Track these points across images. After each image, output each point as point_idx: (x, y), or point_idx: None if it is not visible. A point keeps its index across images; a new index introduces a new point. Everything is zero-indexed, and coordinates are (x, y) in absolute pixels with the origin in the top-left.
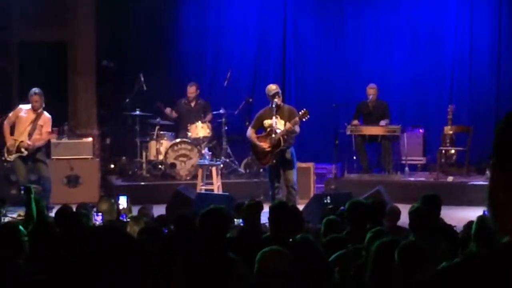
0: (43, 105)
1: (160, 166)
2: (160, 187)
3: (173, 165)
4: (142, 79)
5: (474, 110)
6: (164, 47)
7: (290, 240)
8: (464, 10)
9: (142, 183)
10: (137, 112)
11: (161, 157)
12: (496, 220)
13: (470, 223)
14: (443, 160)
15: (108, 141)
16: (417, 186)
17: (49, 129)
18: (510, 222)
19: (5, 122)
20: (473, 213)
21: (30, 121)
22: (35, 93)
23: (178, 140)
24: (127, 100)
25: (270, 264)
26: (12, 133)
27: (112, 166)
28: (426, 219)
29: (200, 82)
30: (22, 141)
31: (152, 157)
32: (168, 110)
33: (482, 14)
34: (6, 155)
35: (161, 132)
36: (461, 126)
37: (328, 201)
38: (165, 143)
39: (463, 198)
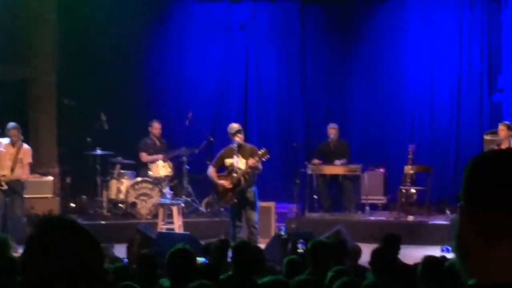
0: (22, 138)
1: (121, 205)
2: (121, 226)
3: (134, 204)
4: (103, 118)
5: (434, 150)
6: (125, 87)
7: (260, 281)
8: (424, 51)
9: (103, 222)
10: (98, 151)
11: (122, 196)
12: (464, 263)
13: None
14: (403, 199)
15: (68, 179)
16: (378, 226)
17: (30, 160)
18: (478, 266)
19: None
20: (433, 252)
21: (11, 156)
22: (12, 128)
23: (139, 179)
24: (88, 139)
25: None
26: None
27: (73, 205)
28: (387, 259)
29: (162, 121)
30: (3, 175)
31: (113, 196)
32: (159, 157)
33: (443, 55)
34: None
35: (122, 171)
36: (421, 166)
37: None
38: (126, 182)
39: (423, 237)
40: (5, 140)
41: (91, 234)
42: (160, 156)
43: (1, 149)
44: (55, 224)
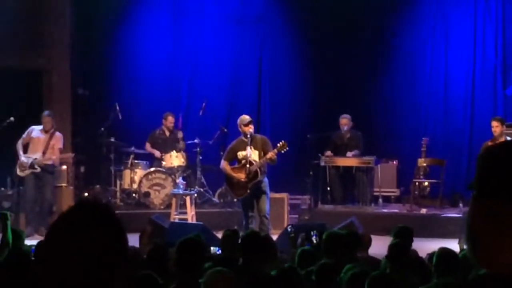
0: (54, 126)
1: (134, 195)
2: (134, 216)
3: (147, 194)
4: (118, 108)
5: (448, 143)
6: (140, 77)
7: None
8: (439, 42)
9: (116, 212)
10: (112, 141)
11: (135, 185)
12: (475, 252)
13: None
14: (416, 192)
15: (82, 169)
16: (391, 218)
17: (61, 146)
18: (489, 255)
19: (19, 142)
20: (446, 245)
21: (43, 141)
22: (47, 115)
23: (152, 169)
24: (102, 129)
25: (214, 286)
26: (25, 152)
27: (86, 194)
28: (403, 252)
29: (176, 112)
30: (35, 159)
31: (126, 186)
32: (156, 153)
33: (457, 48)
34: (18, 170)
35: (136, 161)
36: (435, 159)
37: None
38: (139, 172)
39: (436, 230)
40: (39, 127)
41: (120, 222)
42: (158, 152)
43: (36, 135)
44: (81, 209)
